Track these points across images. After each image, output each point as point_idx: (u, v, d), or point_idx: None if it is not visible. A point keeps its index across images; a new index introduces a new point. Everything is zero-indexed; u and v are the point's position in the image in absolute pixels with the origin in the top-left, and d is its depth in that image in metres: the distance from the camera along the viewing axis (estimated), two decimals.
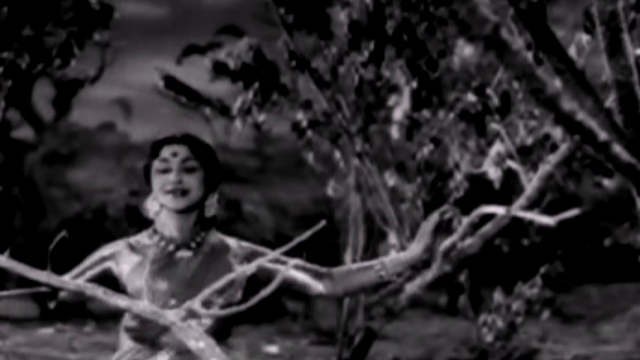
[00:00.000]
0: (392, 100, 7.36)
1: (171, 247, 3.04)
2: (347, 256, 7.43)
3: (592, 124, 3.20)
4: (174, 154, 3.02)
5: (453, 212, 3.09)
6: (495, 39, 2.82)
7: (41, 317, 10.74)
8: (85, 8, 5.68)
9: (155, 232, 3.08)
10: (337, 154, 7.51)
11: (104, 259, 3.06)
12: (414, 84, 6.67)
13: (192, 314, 2.33)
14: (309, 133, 7.23)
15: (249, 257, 3.08)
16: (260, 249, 3.12)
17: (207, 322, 2.97)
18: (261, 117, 7.10)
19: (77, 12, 5.66)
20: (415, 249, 3.07)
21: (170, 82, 7.71)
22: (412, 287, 6.81)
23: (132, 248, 3.06)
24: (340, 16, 6.62)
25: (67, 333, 9.89)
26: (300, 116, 7.20)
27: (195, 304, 2.34)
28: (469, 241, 6.65)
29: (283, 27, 6.54)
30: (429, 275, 6.83)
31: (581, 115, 3.18)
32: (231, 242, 3.12)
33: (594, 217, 11.15)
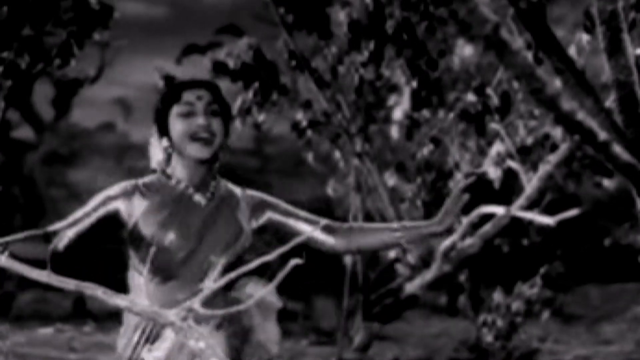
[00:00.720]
0: (392, 100, 7.36)
1: (190, 190, 2.90)
2: (347, 256, 7.42)
3: (592, 123, 3.20)
4: (199, 97, 2.90)
5: (478, 175, 3.00)
6: (495, 38, 2.82)
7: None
8: (85, 8, 5.67)
9: (168, 176, 2.92)
10: (337, 154, 7.51)
11: (110, 199, 2.89)
12: (414, 84, 6.67)
13: (200, 312, 2.33)
14: (309, 133, 7.23)
15: (257, 206, 2.98)
16: (269, 198, 3.01)
17: (214, 278, 2.85)
18: (261, 117, 7.10)
19: (77, 12, 5.66)
20: (439, 224, 2.95)
21: (170, 82, 7.69)
22: (412, 287, 6.81)
23: (142, 191, 2.90)
24: (340, 16, 6.62)
25: (67, 333, 9.88)
26: (300, 116, 7.20)
27: (196, 303, 2.34)
28: (469, 241, 6.65)
29: (283, 27, 6.54)
30: (428, 275, 6.83)
31: (581, 115, 3.18)
32: (238, 191, 3.00)
33: (594, 217, 11.14)
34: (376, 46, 6.53)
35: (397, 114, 7.54)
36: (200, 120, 2.86)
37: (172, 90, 2.93)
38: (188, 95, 2.89)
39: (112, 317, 9.95)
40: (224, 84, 7.22)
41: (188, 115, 2.87)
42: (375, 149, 7.26)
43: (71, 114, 14.63)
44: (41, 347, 9.00)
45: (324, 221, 2.83)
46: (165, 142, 2.93)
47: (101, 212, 2.89)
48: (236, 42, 7.15)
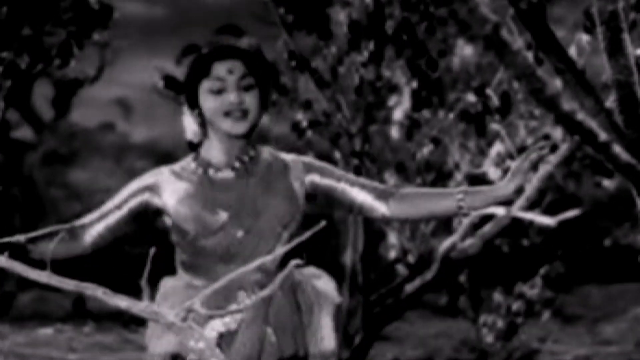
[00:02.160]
0: (392, 100, 7.35)
1: (211, 171, 2.73)
2: (347, 256, 7.42)
3: (592, 124, 3.20)
4: (230, 71, 2.70)
5: (550, 144, 2.80)
6: (496, 38, 2.81)
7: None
8: (84, 8, 5.67)
9: (198, 155, 2.76)
10: (337, 154, 7.51)
11: (140, 190, 2.75)
12: (414, 84, 6.66)
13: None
14: (309, 133, 7.22)
15: (302, 170, 2.79)
16: (314, 161, 2.84)
17: (279, 252, 2.62)
18: None
19: (77, 11, 5.65)
20: (506, 187, 2.72)
21: (170, 82, 7.69)
22: (412, 287, 6.80)
23: (177, 175, 2.74)
24: (340, 16, 6.62)
25: (67, 333, 9.87)
26: (300, 116, 7.19)
27: (196, 303, 2.33)
28: (469, 241, 6.65)
29: (283, 27, 6.53)
30: (429, 275, 6.83)
31: (581, 116, 3.17)
32: (289, 158, 2.82)
33: (594, 217, 11.14)
34: (376, 46, 6.53)
35: (397, 114, 7.54)
36: (231, 97, 2.68)
37: (201, 62, 2.74)
38: (218, 69, 2.71)
39: (112, 318, 9.97)
40: None
41: (219, 91, 2.70)
42: (375, 149, 7.26)
43: (71, 114, 14.62)
44: (41, 347, 9.00)
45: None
46: (196, 115, 2.76)
47: (132, 203, 2.75)
48: (236, 42, 7.14)
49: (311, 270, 2.83)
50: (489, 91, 6.77)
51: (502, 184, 2.75)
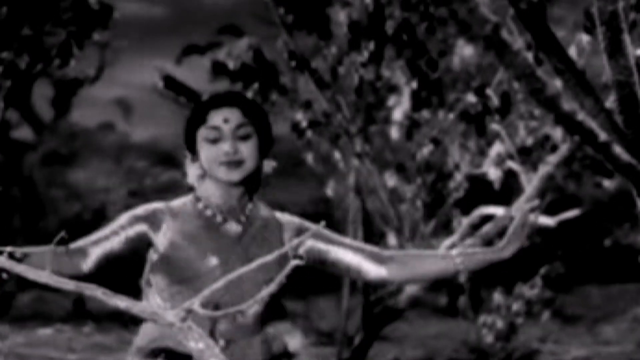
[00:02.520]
0: (392, 100, 7.35)
1: (219, 218, 2.70)
2: None
3: (593, 124, 3.20)
4: (226, 120, 2.66)
5: (540, 205, 2.80)
6: (496, 39, 2.81)
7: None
8: (84, 8, 5.67)
9: (199, 199, 2.73)
10: (337, 155, 7.51)
11: (138, 220, 2.71)
12: (414, 84, 6.67)
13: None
14: (309, 133, 7.22)
15: (298, 232, 2.77)
16: (308, 223, 2.80)
17: (257, 308, 2.68)
18: None
19: (77, 11, 5.65)
20: (503, 251, 2.75)
21: (170, 82, 7.69)
22: (412, 288, 6.80)
23: (174, 214, 2.71)
24: (340, 16, 6.62)
25: (66, 333, 9.87)
26: (300, 116, 7.19)
27: (195, 304, 2.33)
28: (469, 242, 6.64)
29: (283, 27, 6.53)
30: None
31: (581, 116, 3.17)
32: (284, 219, 2.80)
33: (594, 217, 11.14)
34: (376, 47, 6.53)
35: (397, 114, 7.53)
36: (226, 146, 2.65)
37: (198, 110, 2.71)
38: (214, 117, 2.67)
39: (112, 318, 9.97)
40: (224, 84, 7.22)
41: (214, 141, 2.66)
42: (375, 149, 7.26)
43: (71, 114, 14.62)
44: (41, 347, 8.99)
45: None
46: (196, 161, 2.73)
47: (130, 232, 2.71)
48: (236, 42, 7.15)
49: (286, 327, 2.83)
50: (489, 91, 6.77)
51: (500, 245, 2.77)
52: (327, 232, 2.80)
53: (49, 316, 10.77)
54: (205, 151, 2.68)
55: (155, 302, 2.65)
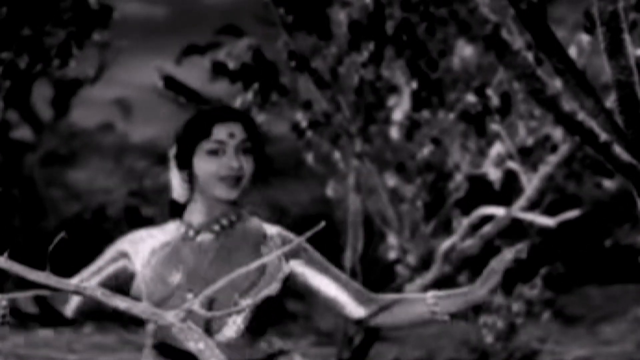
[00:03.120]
0: (392, 100, 7.35)
1: (191, 233, 2.65)
2: (347, 257, 7.42)
3: (593, 124, 3.20)
4: (231, 135, 2.60)
5: (527, 251, 2.77)
6: (496, 39, 2.81)
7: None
8: (84, 8, 5.67)
9: (182, 218, 2.68)
10: (337, 155, 7.51)
11: (120, 254, 2.69)
12: (414, 84, 6.67)
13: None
14: (309, 133, 7.22)
15: (292, 251, 2.66)
16: (308, 247, 2.70)
17: (239, 322, 2.60)
18: (261, 118, 7.09)
19: (77, 12, 5.65)
20: (479, 290, 2.71)
21: (170, 82, 7.69)
22: (412, 288, 6.80)
23: (153, 235, 2.69)
24: (340, 16, 6.62)
25: (67, 334, 9.87)
26: (300, 116, 7.19)
27: (195, 304, 2.33)
28: (469, 242, 6.65)
29: (283, 27, 6.53)
30: (429, 276, 6.83)
31: (581, 116, 3.17)
32: (272, 230, 2.70)
33: (595, 217, 11.13)
34: (376, 47, 6.53)
35: (397, 114, 7.53)
36: (232, 161, 2.59)
37: (202, 123, 2.63)
38: (219, 131, 2.60)
39: (112, 319, 9.97)
40: (224, 85, 7.23)
41: (217, 153, 2.60)
42: (375, 149, 7.26)
43: (70, 114, 14.63)
44: (41, 348, 8.99)
45: (323, 223, 2.37)
46: (186, 175, 2.66)
47: (111, 269, 2.69)
48: (236, 42, 7.14)
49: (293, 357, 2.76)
50: (489, 91, 6.77)
51: (476, 285, 2.72)
52: (318, 258, 2.73)
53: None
54: (204, 165, 2.61)
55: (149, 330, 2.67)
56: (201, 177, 2.63)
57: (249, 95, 6.98)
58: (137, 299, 2.64)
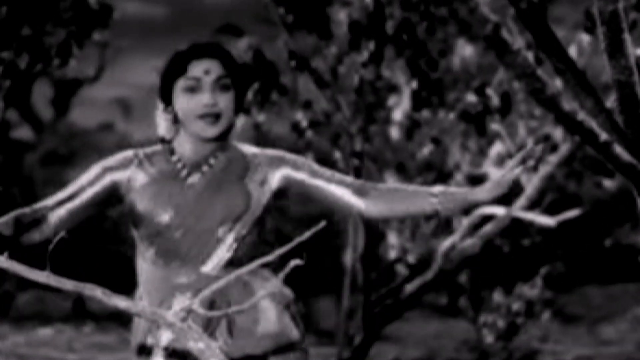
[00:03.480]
0: (392, 100, 7.36)
1: (183, 173, 2.64)
2: (347, 256, 7.41)
3: (593, 124, 3.20)
4: (207, 71, 2.59)
5: (540, 152, 2.64)
6: (496, 38, 2.81)
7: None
8: (84, 8, 5.67)
9: (172, 151, 2.67)
10: (337, 154, 7.51)
11: (107, 170, 2.65)
12: (414, 84, 6.66)
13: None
14: (309, 133, 7.22)
15: (272, 164, 2.68)
16: (289, 155, 2.72)
17: (224, 252, 2.59)
18: (261, 117, 7.09)
19: (77, 11, 5.65)
20: (484, 193, 2.64)
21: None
22: (412, 287, 6.80)
23: (141, 162, 2.66)
24: (340, 16, 6.62)
25: (67, 333, 9.87)
26: (300, 116, 7.19)
27: (195, 304, 2.33)
28: (469, 241, 6.64)
29: (283, 27, 6.53)
30: (429, 275, 6.82)
31: (582, 116, 3.17)
32: (251, 151, 2.70)
33: (595, 217, 11.14)
34: (376, 46, 6.52)
35: (398, 114, 7.54)
36: (206, 98, 2.58)
37: (177, 61, 2.63)
38: (194, 68, 2.60)
39: (112, 318, 9.97)
40: None
41: (193, 90, 2.59)
42: (375, 149, 7.26)
43: (70, 114, 14.64)
44: (41, 347, 8.99)
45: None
46: (169, 113, 2.66)
47: (97, 187, 2.65)
48: (236, 42, 7.15)
49: (264, 273, 2.75)
50: (489, 91, 6.77)
51: (482, 188, 2.67)
52: (308, 162, 2.75)
53: (49, 316, 10.77)
54: (182, 102, 2.61)
55: (141, 267, 2.63)
56: (180, 114, 2.63)
57: (249, 95, 6.98)
58: (131, 210, 2.63)
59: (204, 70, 2.61)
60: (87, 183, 2.68)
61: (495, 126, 6.86)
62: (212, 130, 2.61)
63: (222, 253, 2.62)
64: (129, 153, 2.70)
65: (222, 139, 2.67)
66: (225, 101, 2.61)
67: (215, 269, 2.62)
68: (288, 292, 2.72)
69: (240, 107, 2.68)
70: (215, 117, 2.61)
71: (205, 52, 2.63)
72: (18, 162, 13.55)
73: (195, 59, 2.61)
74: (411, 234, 7.31)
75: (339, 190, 2.73)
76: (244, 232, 2.63)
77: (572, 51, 5.99)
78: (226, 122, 2.63)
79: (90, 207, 2.68)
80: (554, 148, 6.64)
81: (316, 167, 2.76)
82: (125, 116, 16.32)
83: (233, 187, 2.64)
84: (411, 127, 7.12)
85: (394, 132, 7.67)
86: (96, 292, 2.31)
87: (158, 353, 2.63)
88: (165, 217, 2.61)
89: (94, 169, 2.68)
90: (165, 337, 2.61)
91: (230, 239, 2.62)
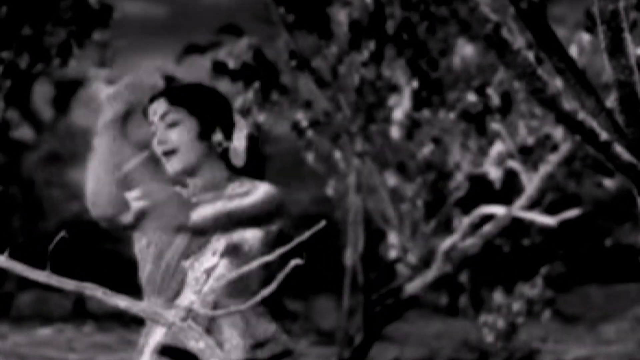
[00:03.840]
0: (392, 100, 7.35)
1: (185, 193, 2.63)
2: (348, 256, 7.42)
3: (593, 123, 3.19)
4: (154, 112, 2.62)
5: None
6: (496, 38, 2.81)
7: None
8: (84, 8, 5.68)
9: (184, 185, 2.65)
10: (338, 154, 7.51)
11: None
12: (415, 84, 6.66)
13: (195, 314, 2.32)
14: (309, 133, 7.22)
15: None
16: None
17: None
18: (261, 117, 7.09)
19: (77, 11, 5.66)
20: None
21: (170, 82, 7.69)
22: (412, 288, 6.80)
23: None
24: (341, 16, 6.62)
25: (67, 333, 9.88)
26: (300, 116, 7.19)
27: (196, 304, 2.33)
28: (469, 241, 6.65)
29: (283, 27, 6.53)
30: (429, 275, 6.83)
31: (582, 115, 3.17)
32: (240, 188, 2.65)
33: (595, 217, 11.15)
34: (377, 46, 6.53)
35: (398, 113, 7.53)
36: (154, 139, 2.59)
37: (144, 110, 2.67)
38: (150, 113, 2.63)
39: (112, 318, 9.98)
40: (224, 84, 7.22)
41: (154, 133, 2.60)
42: (375, 148, 7.26)
43: (71, 113, 14.64)
44: (41, 347, 9.00)
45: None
46: None
47: None
48: (236, 42, 7.15)
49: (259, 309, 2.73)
50: (489, 91, 6.77)
51: None
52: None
53: (49, 316, 10.78)
54: (153, 145, 2.62)
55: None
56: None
57: (250, 95, 6.98)
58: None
59: (153, 112, 2.63)
60: None
61: (495, 126, 6.86)
62: (172, 165, 2.59)
63: (195, 285, 2.56)
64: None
65: (196, 174, 2.61)
66: (175, 136, 2.59)
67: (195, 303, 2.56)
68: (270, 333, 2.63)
69: (205, 134, 2.61)
70: (170, 153, 2.59)
71: (155, 96, 2.65)
72: (18, 162, 13.55)
73: (150, 103, 2.65)
74: (411, 233, 7.31)
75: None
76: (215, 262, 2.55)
77: (573, 50, 5.99)
78: (186, 154, 2.59)
79: None
80: (554, 148, 6.64)
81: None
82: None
83: (212, 199, 2.58)
84: (411, 126, 7.12)
85: (395, 132, 7.67)
86: (97, 292, 2.31)
87: (146, 354, 2.63)
88: (142, 242, 2.63)
89: None
90: (152, 339, 2.61)
91: (201, 269, 2.57)
